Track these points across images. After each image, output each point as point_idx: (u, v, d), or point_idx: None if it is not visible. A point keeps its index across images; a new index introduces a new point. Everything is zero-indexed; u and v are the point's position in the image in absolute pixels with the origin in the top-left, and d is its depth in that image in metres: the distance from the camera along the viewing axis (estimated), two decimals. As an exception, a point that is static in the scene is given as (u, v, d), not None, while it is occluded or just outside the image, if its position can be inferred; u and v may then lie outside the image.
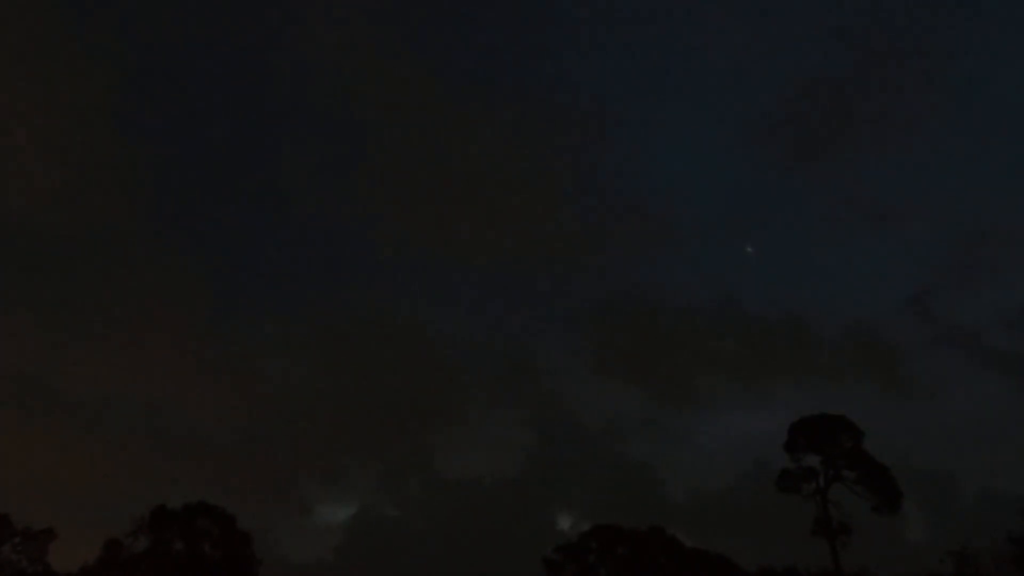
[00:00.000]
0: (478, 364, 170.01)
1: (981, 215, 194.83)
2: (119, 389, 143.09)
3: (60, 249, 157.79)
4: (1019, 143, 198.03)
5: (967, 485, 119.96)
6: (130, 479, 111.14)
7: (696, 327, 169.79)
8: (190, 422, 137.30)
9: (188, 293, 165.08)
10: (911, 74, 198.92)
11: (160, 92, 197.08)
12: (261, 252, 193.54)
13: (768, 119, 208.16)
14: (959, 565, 47.57)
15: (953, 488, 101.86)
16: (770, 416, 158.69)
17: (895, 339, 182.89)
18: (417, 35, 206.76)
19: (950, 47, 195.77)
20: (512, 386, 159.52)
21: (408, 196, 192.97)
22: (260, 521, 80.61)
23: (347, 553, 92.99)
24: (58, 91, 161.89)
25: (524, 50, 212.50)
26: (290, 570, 73.60)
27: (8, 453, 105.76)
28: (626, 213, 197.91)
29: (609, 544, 57.83)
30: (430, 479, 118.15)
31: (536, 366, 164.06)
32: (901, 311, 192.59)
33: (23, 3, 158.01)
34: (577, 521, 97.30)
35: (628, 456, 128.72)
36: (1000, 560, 46.46)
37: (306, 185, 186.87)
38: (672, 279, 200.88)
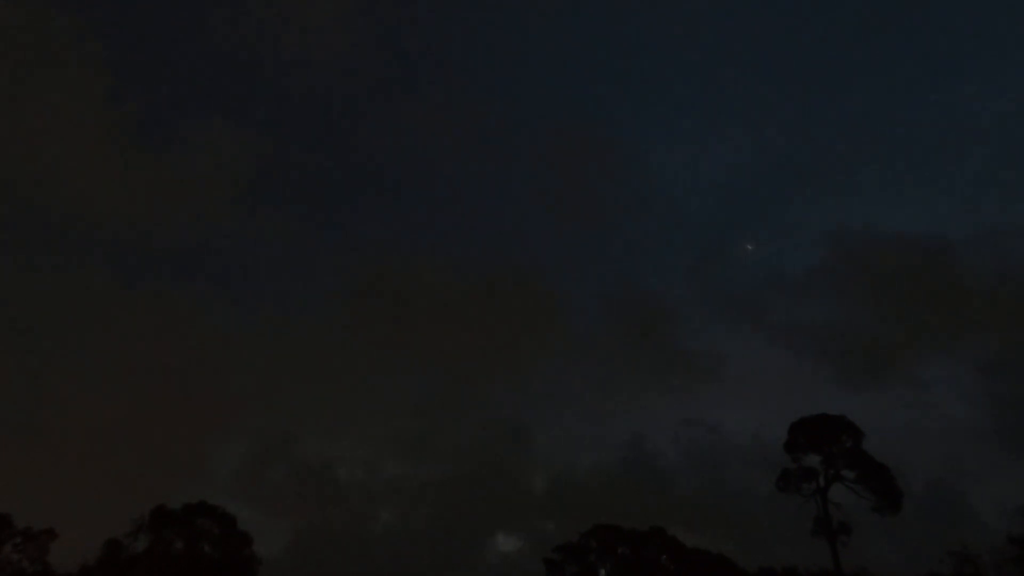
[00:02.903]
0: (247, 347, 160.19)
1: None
2: None
3: None
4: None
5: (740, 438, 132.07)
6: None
7: (448, 300, 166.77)
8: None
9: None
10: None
11: None
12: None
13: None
14: (959, 565, 47.59)
15: (722, 443, 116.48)
16: (525, 392, 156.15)
17: (672, 309, 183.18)
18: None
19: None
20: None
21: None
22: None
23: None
24: None
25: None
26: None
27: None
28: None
29: (609, 544, 57.84)
30: (294, 466, 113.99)
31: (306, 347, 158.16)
32: (679, 280, 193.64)
33: None
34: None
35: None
36: (1000, 560, 46.48)
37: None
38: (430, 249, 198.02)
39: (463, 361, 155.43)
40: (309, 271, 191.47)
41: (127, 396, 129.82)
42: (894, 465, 50.67)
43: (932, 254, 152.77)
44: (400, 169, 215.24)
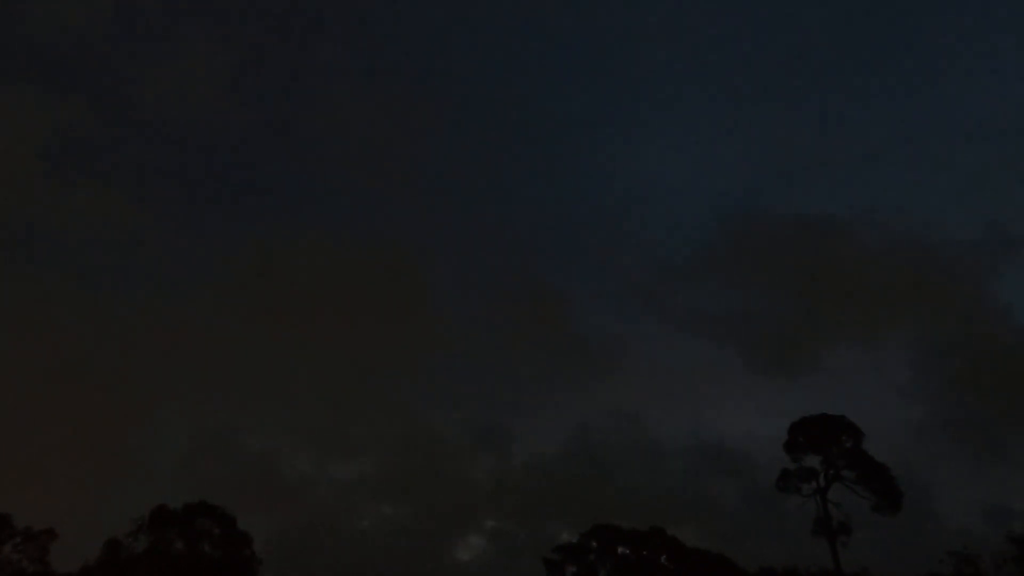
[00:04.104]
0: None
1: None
2: None
3: None
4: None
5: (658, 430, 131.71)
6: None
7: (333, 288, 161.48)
8: None
9: None
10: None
11: None
12: None
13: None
14: (959, 565, 47.64)
15: (646, 434, 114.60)
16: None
17: (566, 292, 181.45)
18: None
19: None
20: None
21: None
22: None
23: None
24: None
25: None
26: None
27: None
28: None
29: (609, 544, 57.87)
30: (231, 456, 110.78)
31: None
32: (577, 269, 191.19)
33: None
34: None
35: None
36: (1000, 560, 46.53)
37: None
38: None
39: (358, 350, 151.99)
40: (141, 254, 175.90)
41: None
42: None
43: (822, 233, 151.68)
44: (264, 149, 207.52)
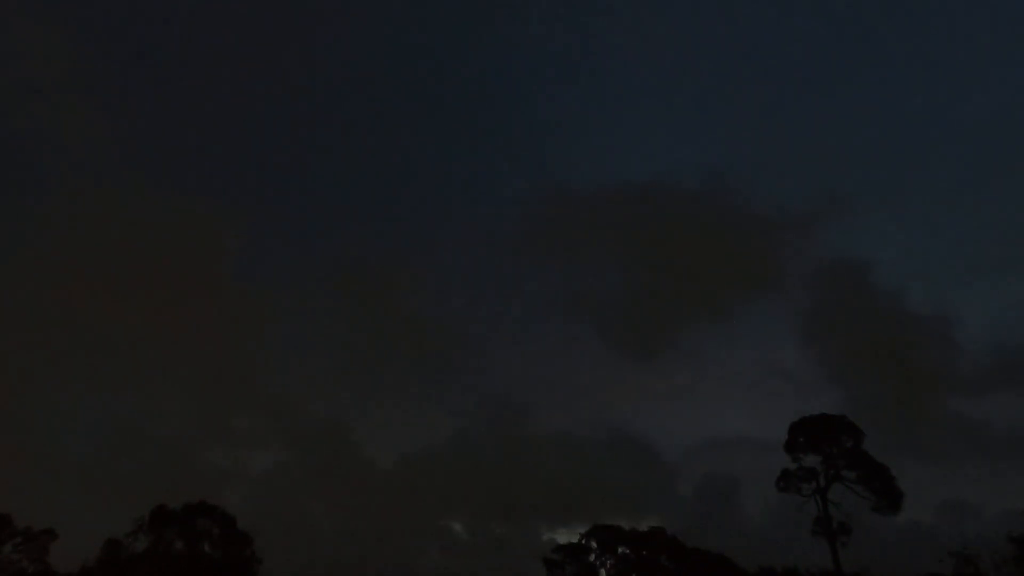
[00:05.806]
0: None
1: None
2: None
3: None
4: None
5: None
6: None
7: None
8: None
9: None
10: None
11: None
12: None
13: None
14: (959, 565, 47.61)
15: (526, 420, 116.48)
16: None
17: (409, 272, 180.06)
18: None
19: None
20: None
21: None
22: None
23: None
24: None
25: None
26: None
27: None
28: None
29: (609, 544, 57.86)
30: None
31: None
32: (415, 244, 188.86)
33: None
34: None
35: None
36: (1000, 560, 46.49)
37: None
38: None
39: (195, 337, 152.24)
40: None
41: None
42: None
43: (660, 206, 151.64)
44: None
